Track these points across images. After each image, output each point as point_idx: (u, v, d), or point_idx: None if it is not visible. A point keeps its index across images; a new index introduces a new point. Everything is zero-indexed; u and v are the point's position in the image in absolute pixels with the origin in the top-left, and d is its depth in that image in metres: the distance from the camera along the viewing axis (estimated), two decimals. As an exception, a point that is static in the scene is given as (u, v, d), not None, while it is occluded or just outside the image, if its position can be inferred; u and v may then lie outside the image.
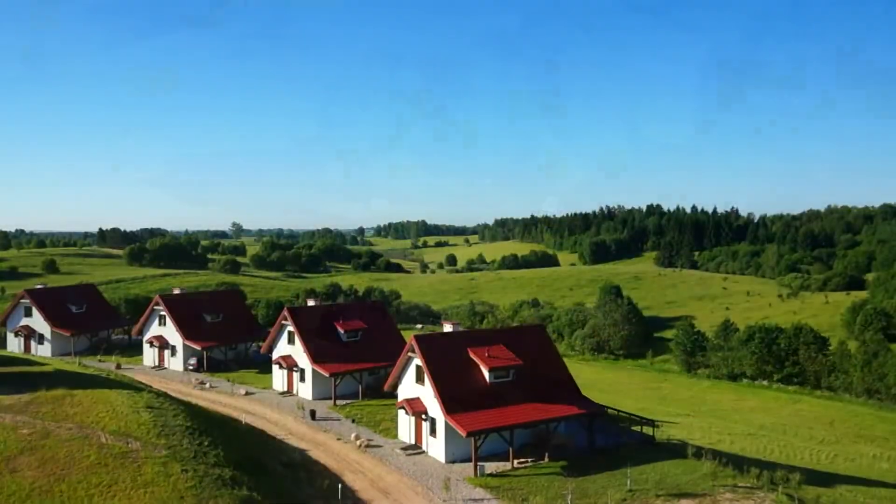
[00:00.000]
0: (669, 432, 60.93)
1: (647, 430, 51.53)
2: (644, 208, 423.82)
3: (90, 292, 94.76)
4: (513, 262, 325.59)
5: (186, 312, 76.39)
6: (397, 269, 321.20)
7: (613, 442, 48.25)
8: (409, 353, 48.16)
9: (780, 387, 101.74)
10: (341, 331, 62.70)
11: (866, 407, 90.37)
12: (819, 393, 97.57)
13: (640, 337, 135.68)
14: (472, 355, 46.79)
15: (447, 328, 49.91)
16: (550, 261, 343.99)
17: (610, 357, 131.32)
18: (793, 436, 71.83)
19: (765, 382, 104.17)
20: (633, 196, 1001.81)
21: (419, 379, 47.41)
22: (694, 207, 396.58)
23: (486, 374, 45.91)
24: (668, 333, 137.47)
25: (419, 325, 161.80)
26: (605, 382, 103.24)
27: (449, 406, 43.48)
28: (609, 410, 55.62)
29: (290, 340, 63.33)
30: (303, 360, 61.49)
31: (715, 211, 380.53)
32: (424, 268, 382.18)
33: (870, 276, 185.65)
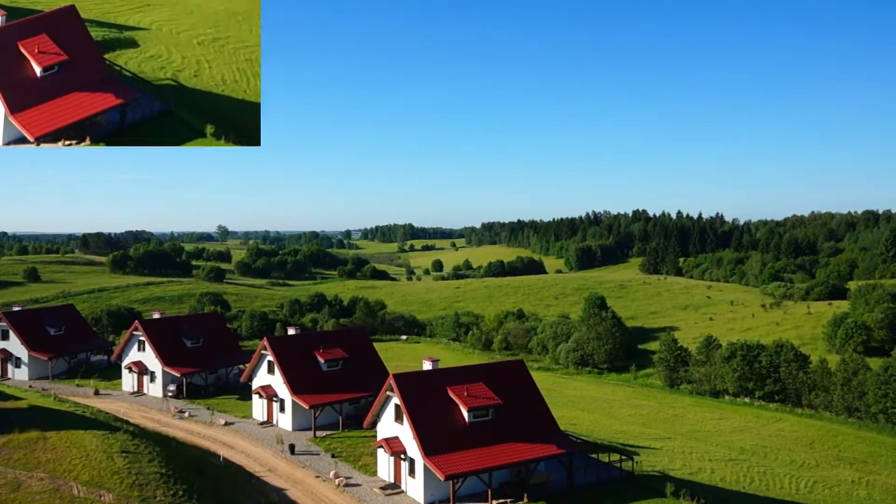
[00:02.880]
0: (650, 461, 61.06)
1: (627, 462, 51.46)
2: (630, 213, 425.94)
3: (69, 313, 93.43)
4: (499, 269, 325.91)
5: (166, 337, 75.46)
6: (383, 275, 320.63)
7: (593, 479, 48.19)
8: (388, 392, 47.84)
9: (762, 404, 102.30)
10: (321, 360, 62.25)
11: (846, 426, 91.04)
12: (800, 411, 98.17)
13: (624, 350, 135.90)
14: (451, 394, 46.54)
15: (427, 366, 49.61)
16: (537, 267, 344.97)
17: (594, 371, 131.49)
18: (773, 460, 72.20)
19: (746, 399, 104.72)
20: (620, 201, 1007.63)
21: (398, 418, 47.13)
22: (679, 213, 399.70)
23: (466, 414, 45.70)
24: (653, 345, 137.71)
25: (404, 337, 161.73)
26: (587, 400, 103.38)
27: (427, 447, 43.25)
28: (590, 440, 55.50)
29: (270, 370, 62.82)
30: (282, 390, 61.00)
31: (700, 217, 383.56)
32: (411, 274, 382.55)
33: (852, 285, 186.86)
